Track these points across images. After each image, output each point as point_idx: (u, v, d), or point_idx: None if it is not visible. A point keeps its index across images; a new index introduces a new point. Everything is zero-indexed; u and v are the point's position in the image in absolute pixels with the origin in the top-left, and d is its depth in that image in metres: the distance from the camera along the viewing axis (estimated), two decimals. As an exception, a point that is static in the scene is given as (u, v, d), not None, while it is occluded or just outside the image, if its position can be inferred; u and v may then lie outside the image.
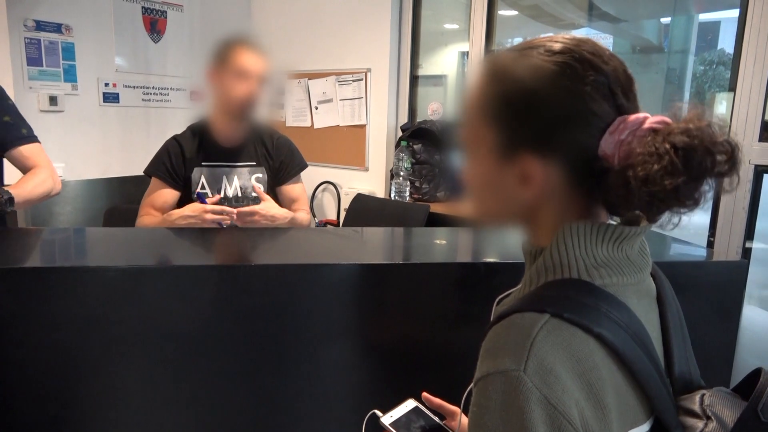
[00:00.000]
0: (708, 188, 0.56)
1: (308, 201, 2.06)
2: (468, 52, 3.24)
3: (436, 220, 2.77)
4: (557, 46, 0.60)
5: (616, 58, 0.61)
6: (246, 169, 1.86)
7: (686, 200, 0.56)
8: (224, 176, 1.85)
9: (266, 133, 1.92)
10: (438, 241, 1.62)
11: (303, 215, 1.93)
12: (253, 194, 1.86)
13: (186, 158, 1.83)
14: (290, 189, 1.94)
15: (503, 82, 0.62)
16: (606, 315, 0.57)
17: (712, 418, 0.59)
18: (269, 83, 1.79)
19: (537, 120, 0.60)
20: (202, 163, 1.84)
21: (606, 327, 0.56)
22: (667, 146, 0.54)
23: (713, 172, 0.55)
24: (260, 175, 1.88)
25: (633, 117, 0.58)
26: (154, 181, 1.86)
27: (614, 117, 0.58)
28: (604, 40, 3.15)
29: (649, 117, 0.58)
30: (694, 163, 0.54)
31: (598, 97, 0.58)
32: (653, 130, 0.57)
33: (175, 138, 1.87)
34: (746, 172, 2.23)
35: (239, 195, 1.86)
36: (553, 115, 0.59)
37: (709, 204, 2.34)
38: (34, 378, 1.13)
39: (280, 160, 1.90)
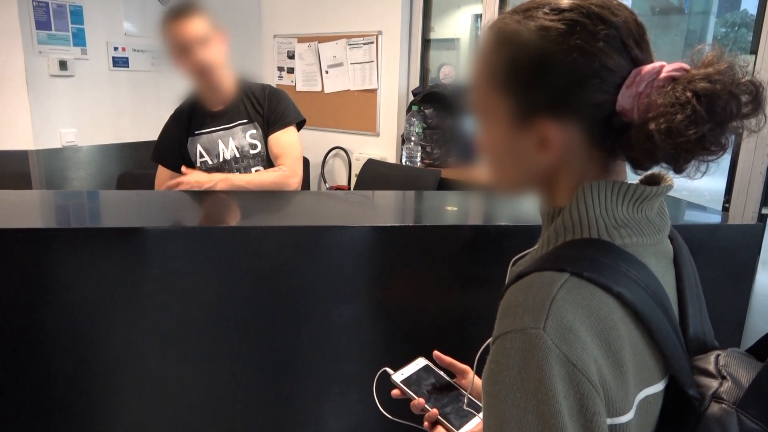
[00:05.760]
0: (734, 131, 0.55)
1: (299, 159, 1.85)
2: (481, 14, 3.16)
3: (447, 186, 2.76)
4: (563, 3, 0.58)
5: (624, 8, 0.59)
6: (239, 128, 1.85)
7: (712, 147, 0.54)
8: (219, 140, 1.84)
9: (255, 87, 1.88)
10: (449, 208, 1.61)
11: (272, 175, 1.78)
12: (252, 152, 1.85)
13: (180, 133, 1.86)
14: (274, 141, 1.82)
15: (511, 48, 0.60)
16: (625, 274, 0.56)
17: (727, 377, 0.59)
18: (218, 38, 1.73)
19: (550, 84, 0.58)
20: (195, 133, 1.85)
21: (625, 286, 0.55)
22: (689, 94, 0.53)
23: (738, 114, 0.54)
24: (254, 131, 1.85)
25: (648, 67, 0.56)
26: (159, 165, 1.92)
27: (629, 69, 0.57)
28: (622, 0, 3.06)
29: (665, 65, 0.56)
30: (718, 108, 0.53)
31: (612, 52, 0.56)
32: (672, 79, 0.55)
33: (171, 116, 1.90)
34: (765, 137, 2.18)
35: (237, 155, 1.85)
36: (566, 77, 0.57)
37: (725, 169, 2.30)
38: (51, 336, 1.16)
39: (271, 109, 1.85)
